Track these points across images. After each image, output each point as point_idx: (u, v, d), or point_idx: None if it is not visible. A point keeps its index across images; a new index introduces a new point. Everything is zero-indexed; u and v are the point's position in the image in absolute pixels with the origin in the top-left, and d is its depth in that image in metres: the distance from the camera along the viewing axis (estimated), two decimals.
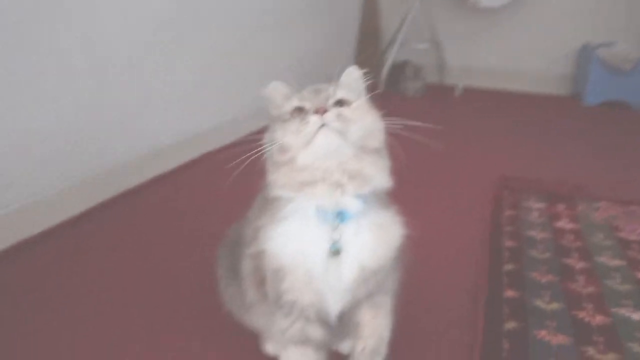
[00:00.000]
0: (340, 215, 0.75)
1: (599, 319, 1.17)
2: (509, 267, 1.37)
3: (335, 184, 0.73)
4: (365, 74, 0.85)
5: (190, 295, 1.23)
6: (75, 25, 1.59)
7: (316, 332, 0.82)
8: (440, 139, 2.52)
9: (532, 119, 3.04)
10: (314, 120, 0.72)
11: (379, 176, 0.77)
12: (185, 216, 1.67)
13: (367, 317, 0.83)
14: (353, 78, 0.83)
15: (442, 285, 1.30)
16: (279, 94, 0.80)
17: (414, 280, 1.30)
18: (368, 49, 3.81)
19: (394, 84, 3.66)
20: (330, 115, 0.72)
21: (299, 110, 0.75)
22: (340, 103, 0.76)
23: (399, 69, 3.61)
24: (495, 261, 1.40)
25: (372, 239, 0.77)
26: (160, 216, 1.68)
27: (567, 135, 2.69)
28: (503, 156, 2.34)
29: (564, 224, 1.63)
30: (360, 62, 3.80)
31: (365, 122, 0.75)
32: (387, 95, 3.64)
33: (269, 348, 1.00)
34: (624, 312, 1.19)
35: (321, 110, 0.72)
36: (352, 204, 0.75)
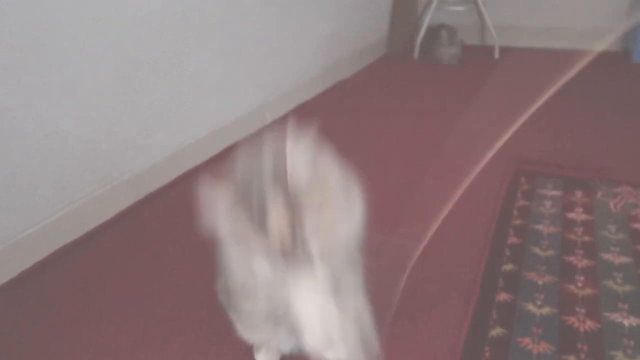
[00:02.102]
0: None
1: (588, 325, 1.18)
2: (507, 267, 1.40)
3: None
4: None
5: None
6: (103, 25, 1.67)
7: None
8: (469, 111, 2.53)
9: (573, 80, 2.89)
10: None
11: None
12: None
13: None
14: (302, 164, 0.70)
15: (436, 285, 1.35)
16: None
17: (408, 279, 1.37)
18: (403, 13, 3.71)
19: (429, 50, 3.57)
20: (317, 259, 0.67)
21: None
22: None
23: (433, 33, 3.51)
24: (494, 261, 1.42)
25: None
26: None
27: (608, 97, 2.57)
28: (534, 131, 2.28)
29: (576, 215, 1.61)
30: (394, 27, 3.72)
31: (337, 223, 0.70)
32: (421, 62, 3.57)
33: (260, 358, 1.11)
34: (616, 317, 1.20)
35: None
36: None
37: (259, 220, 0.65)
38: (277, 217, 0.64)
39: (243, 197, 0.67)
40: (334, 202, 0.70)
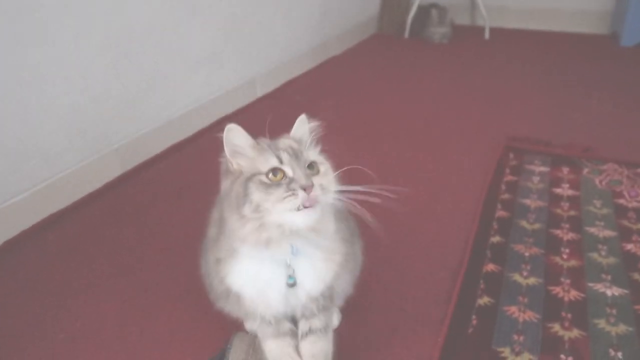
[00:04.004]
0: (292, 254, 0.82)
1: (572, 295, 1.21)
2: (495, 239, 1.42)
3: (297, 237, 0.79)
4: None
5: None
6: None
7: (284, 327, 0.95)
8: (458, 90, 2.54)
9: (562, 62, 2.93)
10: (302, 195, 0.74)
11: (332, 225, 0.83)
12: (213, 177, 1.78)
13: (305, 351, 0.94)
14: (305, 130, 0.86)
15: (425, 258, 1.36)
16: (243, 140, 0.80)
17: (398, 251, 1.38)
18: None
19: (419, 29, 3.56)
20: (317, 188, 0.75)
21: (277, 171, 0.77)
22: (311, 166, 0.80)
23: (424, 13, 3.50)
24: (482, 233, 1.44)
25: (316, 268, 0.86)
26: (187, 178, 1.81)
27: (594, 80, 2.59)
28: (523, 109, 2.30)
29: (563, 190, 1.64)
30: (385, 6, 3.70)
31: (333, 187, 0.79)
32: (411, 41, 3.56)
33: (250, 326, 1.12)
34: (599, 287, 1.23)
35: (308, 189, 0.74)
36: (305, 246, 0.82)
37: (270, 149, 0.80)
38: (285, 141, 0.82)
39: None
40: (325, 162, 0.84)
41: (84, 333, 1.17)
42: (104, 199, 1.72)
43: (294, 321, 0.98)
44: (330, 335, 0.98)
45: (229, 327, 1.14)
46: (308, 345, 0.94)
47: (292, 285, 0.84)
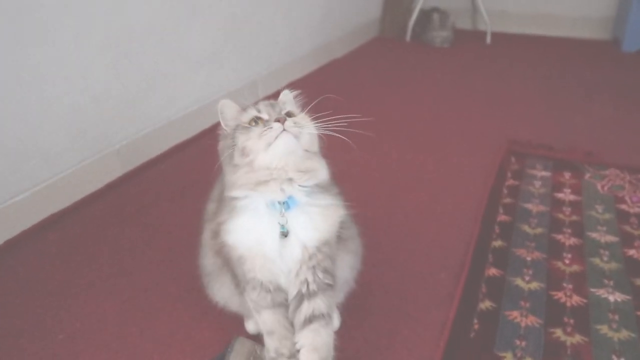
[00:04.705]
0: (286, 204, 0.87)
1: (575, 300, 1.21)
2: (497, 243, 1.41)
3: (286, 180, 0.86)
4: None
5: None
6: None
7: (280, 297, 0.95)
8: (460, 93, 2.54)
9: (563, 67, 2.93)
10: (277, 126, 0.84)
11: (322, 170, 0.90)
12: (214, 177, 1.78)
13: (307, 341, 0.92)
14: (289, 98, 0.97)
15: (427, 260, 1.36)
16: (232, 110, 0.92)
17: (399, 253, 1.38)
18: None
19: (421, 33, 3.56)
20: (289, 122, 0.85)
21: (258, 120, 0.88)
22: (289, 114, 0.89)
23: (426, 16, 3.50)
24: (484, 237, 1.44)
25: (313, 220, 0.90)
26: (188, 179, 1.80)
27: (596, 85, 2.60)
28: (524, 114, 2.30)
29: (564, 195, 1.63)
30: (387, 9, 3.70)
31: (310, 128, 0.89)
32: (413, 45, 3.56)
33: (250, 326, 1.11)
34: (602, 292, 1.23)
35: (281, 120, 0.85)
36: (297, 193, 0.88)
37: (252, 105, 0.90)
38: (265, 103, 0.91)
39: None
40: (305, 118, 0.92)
41: (84, 333, 1.16)
42: (105, 199, 1.71)
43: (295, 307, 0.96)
44: (332, 329, 0.97)
45: (230, 328, 1.14)
46: (310, 335, 0.92)
47: (285, 234, 0.88)
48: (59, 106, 1.61)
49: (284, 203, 0.87)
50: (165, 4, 1.93)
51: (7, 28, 1.42)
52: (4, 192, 1.49)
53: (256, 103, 0.93)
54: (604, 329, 1.12)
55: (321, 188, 0.91)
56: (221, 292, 1.05)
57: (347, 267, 1.02)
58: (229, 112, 0.92)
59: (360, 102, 2.52)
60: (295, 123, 0.86)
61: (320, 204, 0.91)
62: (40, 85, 1.54)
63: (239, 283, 0.96)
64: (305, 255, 0.90)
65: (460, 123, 2.23)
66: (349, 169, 1.79)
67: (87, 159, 1.72)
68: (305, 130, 0.87)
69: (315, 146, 0.90)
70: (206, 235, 1.01)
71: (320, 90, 2.65)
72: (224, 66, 2.30)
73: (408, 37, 3.63)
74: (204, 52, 2.17)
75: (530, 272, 1.30)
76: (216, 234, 0.93)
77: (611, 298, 1.21)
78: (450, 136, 2.10)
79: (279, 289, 0.94)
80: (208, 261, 1.03)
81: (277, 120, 0.85)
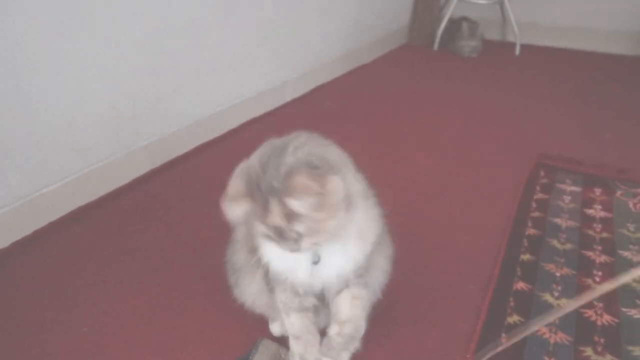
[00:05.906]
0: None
1: (605, 319, 1.18)
2: (525, 257, 1.39)
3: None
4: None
5: None
6: None
7: (309, 302, 0.96)
8: (488, 104, 2.51)
9: (594, 81, 2.89)
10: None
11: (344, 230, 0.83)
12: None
13: (345, 304, 0.94)
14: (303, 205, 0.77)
15: (455, 271, 1.34)
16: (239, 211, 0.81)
17: (427, 264, 1.37)
18: (425, 3, 3.67)
19: (449, 42, 3.54)
20: (305, 244, 0.80)
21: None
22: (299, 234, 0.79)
23: (455, 25, 3.48)
24: (512, 250, 1.41)
25: (346, 246, 0.88)
26: (215, 177, 1.81)
27: (628, 103, 2.55)
28: (553, 127, 2.27)
29: (595, 211, 1.60)
30: (416, 17, 3.69)
31: (329, 229, 0.79)
32: (441, 53, 3.55)
33: (274, 329, 1.11)
34: (634, 313, 1.20)
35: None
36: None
37: (262, 213, 0.77)
38: (274, 216, 0.76)
39: (252, 190, 0.78)
40: (330, 206, 0.76)
41: (110, 328, 1.17)
42: (133, 194, 1.73)
43: (322, 301, 0.98)
44: (366, 305, 0.98)
45: (254, 332, 1.13)
46: (347, 293, 0.93)
47: (316, 262, 0.88)
48: (95, 99, 1.63)
49: None
50: (206, 3, 1.95)
51: (52, 18, 1.44)
52: (35, 183, 1.52)
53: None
54: (636, 350, 1.10)
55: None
56: (250, 288, 1.04)
57: (380, 272, 1.01)
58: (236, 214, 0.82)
59: (386, 109, 2.51)
60: (313, 245, 0.81)
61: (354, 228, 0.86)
62: (78, 78, 1.56)
63: (270, 280, 0.96)
64: (340, 280, 0.91)
65: (488, 134, 2.21)
66: (377, 177, 1.78)
67: (116, 153, 1.74)
68: (324, 239, 0.80)
69: (343, 226, 0.81)
70: (240, 233, 1.01)
71: (348, 95, 2.66)
72: (255, 68, 2.31)
73: (436, 46, 3.61)
74: (236, 54, 2.18)
75: (560, 287, 1.28)
76: (252, 236, 0.92)
77: None
78: (478, 147, 2.08)
79: (307, 294, 0.95)
80: (240, 256, 1.02)
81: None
